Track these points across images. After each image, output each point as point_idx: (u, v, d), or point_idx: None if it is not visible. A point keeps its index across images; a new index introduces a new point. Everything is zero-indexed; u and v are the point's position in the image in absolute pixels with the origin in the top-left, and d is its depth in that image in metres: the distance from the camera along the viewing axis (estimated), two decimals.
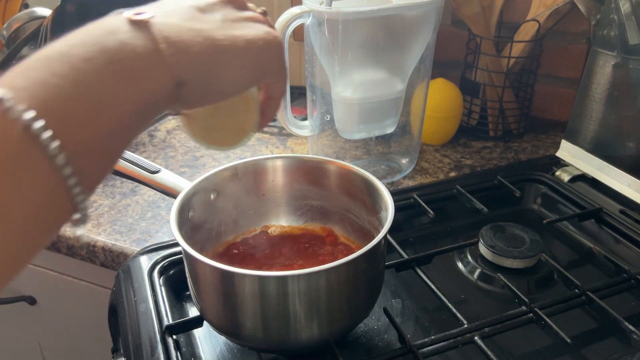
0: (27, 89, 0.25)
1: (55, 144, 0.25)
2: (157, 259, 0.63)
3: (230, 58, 0.35)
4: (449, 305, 0.56)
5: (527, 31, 0.90)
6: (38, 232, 0.27)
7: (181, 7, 0.35)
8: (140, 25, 0.31)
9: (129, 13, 0.31)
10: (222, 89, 0.36)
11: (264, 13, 0.40)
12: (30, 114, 0.24)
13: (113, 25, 0.30)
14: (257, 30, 0.37)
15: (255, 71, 0.37)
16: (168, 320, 0.54)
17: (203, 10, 0.35)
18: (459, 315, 0.54)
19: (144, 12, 0.31)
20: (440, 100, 0.91)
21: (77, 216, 0.28)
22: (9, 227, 0.25)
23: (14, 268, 0.26)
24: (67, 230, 0.73)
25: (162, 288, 0.59)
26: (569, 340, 0.51)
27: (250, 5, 0.40)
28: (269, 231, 0.63)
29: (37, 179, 0.25)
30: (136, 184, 0.65)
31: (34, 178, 0.25)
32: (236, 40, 0.35)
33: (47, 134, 0.25)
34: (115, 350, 0.59)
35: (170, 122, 1.02)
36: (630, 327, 0.53)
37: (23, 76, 0.26)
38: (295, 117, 0.80)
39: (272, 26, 0.39)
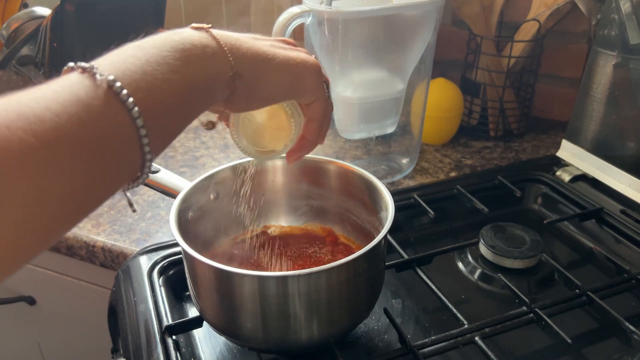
0: (111, 64, 0.33)
1: (132, 99, 0.31)
2: (157, 259, 0.62)
3: (272, 67, 0.42)
4: (450, 305, 0.56)
5: (527, 31, 0.90)
6: (110, 175, 0.32)
7: (238, 33, 0.43)
8: (200, 29, 0.39)
9: (191, 25, 0.39)
10: (266, 94, 0.43)
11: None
12: (111, 77, 0.31)
13: (178, 30, 0.38)
14: (297, 53, 0.44)
15: (292, 83, 0.44)
16: (168, 320, 0.54)
17: (256, 38, 0.44)
18: (459, 315, 0.54)
19: (203, 25, 0.40)
20: (441, 100, 0.91)
21: (139, 176, 0.34)
22: (87, 162, 0.30)
23: (78, 210, 0.31)
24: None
25: (162, 288, 0.59)
26: (569, 341, 0.51)
27: (301, 49, 0.48)
28: (269, 231, 0.63)
29: (116, 126, 0.31)
30: None
31: (114, 124, 0.31)
32: (277, 54, 0.43)
33: (125, 91, 0.31)
34: (114, 351, 0.59)
35: None
36: (631, 327, 0.53)
37: (107, 59, 0.34)
38: None
39: (315, 59, 0.46)
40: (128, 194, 0.37)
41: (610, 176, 0.76)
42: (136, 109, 0.32)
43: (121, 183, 0.34)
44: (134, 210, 0.66)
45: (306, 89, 0.45)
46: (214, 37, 0.39)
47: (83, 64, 0.32)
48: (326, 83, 0.47)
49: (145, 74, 0.33)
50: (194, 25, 0.39)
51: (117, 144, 0.31)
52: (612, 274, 0.64)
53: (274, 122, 0.50)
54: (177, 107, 0.36)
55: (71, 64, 0.32)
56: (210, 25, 0.40)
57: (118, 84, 0.31)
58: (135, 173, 0.34)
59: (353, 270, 0.47)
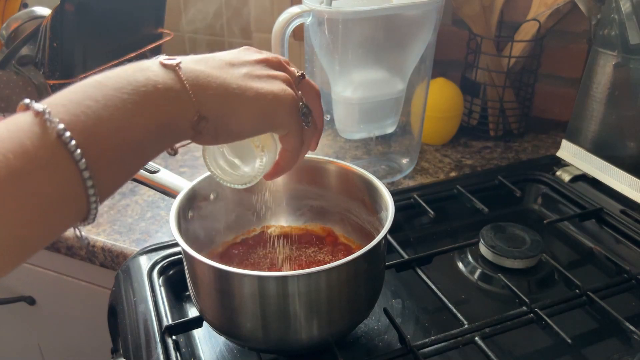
0: (66, 105, 0.32)
1: (79, 151, 0.31)
2: (157, 259, 0.62)
3: (241, 103, 0.40)
4: (450, 305, 0.56)
5: (527, 31, 0.90)
6: (52, 223, 0.32)
7: (214, 58, 0.41)
8: (168, 67, 0.37)
9: (162, 57, 0.37)
10: (235, 131, 0.41)
11: (302, 76, 0.46)
12: (61, 126, 0.31)
13: (145, 65, 0.37)
14: (271, 86, 0.42)
15: (263, 120, 0.41)
16: (167, 320, 0.54)
17: (233, 64, 0.41)
18: (459, 315, 0.54)
19: (174, 58, 0.38)
20: (441, 100, 0.91)
21: (85, 219, 0.34)
22: (29, 213, 0.30)
23: (21, 255, 0.31)
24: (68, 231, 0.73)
25: (162, 288, 0.59)
26: (569, 341, 0.51)
27: (291, 68, 0.45)
28: (269, 231, 0.63)
29: (62, 178, 0.31)
30: (135, 183, 0.65)
31: (60, 177, 0.31)
32: (247, 90, 0.40)
33: (74, 142, 0.31)
34: (114, 351, 0.59)
35: None
36: (631, 327, 0.53)
37: (64, 98, 0.33)
38: None
39: (294, 89, 0.44)
40: (77, 230, 0.37)
41: (610, 176, 0.76)
42: (83, 160, 0.31)
43: (66, 227, 0.33)
44: (87, 243, 0.70)
45: (278, 124, 0.43)
46: (179, 79, 0.37)
47: (37, 106, 0.31)
48: (305, 114, 0.44)
49: (101, 120, 0.32)
50: (163, 60, 0.37)
51: (62, 195, 0.31)
52: (612, 274, 0.64)
53: (245, 150, 0.48)
54: (133, 153, 0.34)
55: (27, 101, 0.32)
56: (179, 61, 0.37)
57: (67, 134, 0.30)
58: (81, 217, 0.33)
59: (353, 270, 0.47)
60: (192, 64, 0.38)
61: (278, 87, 0.42)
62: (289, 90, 0.42)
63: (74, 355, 0.95)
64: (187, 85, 0.37)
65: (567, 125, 0.83)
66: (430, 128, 0.91)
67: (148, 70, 0.36)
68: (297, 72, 0.46)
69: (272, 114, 0.42)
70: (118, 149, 0.33)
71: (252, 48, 0.45)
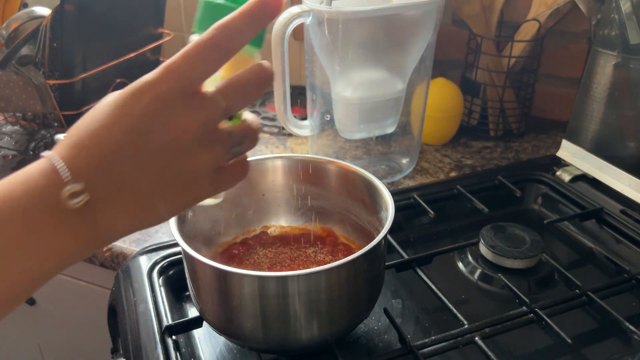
0: None
1: None
2: (157, 259, 0.62)
3: (144, 223, 0.34)
4: (450, 305, 0.56)
5: (527, 31, 0.90)
6: None
7: (110, 139, 0.32)
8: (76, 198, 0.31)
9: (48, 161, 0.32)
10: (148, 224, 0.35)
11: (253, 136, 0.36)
12: None
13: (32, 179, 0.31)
14: (195, 191, 0.35)
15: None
16: (167, 320, 0.54)
17: (140, 151, 0.32)
18: (459, 315, 0.54)
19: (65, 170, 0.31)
20: (441, 100, 0.91)
21: None
22: None
23: None
24: None
25: (162, 288, 0.59)
26: (569, 341, 0.51)
27: (221, 103, 0.34)
28: (268, 231, 0.63)
29: None
30: None
31: None
32: (157, 205, 0.34)
33: None
34: (114, 351, 0.59)
35: None
36: (631, 327, 0.53)
37: None
38: (295, 117, 0.79)
39: (226, 155, 0.35)
40: None
41: (610, 176, 0.76)
42: None
43: None
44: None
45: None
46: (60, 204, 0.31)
47: None
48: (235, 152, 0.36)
49: None
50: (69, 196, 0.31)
51: None
52: (612, 274, 0.64)
53: None
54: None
55: None
56: (69, 176, 0.31)
57: None
58: None
59: (353, 270, 0.47)
60: (88, 169, 0.31)
61: (204, 189, 0.35)
62: (219, 181, 0.36)
63: (74, 355, 0.95)
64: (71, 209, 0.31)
65: (567, 125, 0.83)
66: (430, 128, 0.91)
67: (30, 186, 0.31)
68: (242, 114, 0.37)
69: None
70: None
71: (174, 78, 0.32)
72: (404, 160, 0.87)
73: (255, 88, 0.35)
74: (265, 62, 0.35)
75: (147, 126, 0.32)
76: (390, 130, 0.80)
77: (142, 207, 0.33)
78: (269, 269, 0.57)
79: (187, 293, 0.60)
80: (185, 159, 0.33)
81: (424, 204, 0.71)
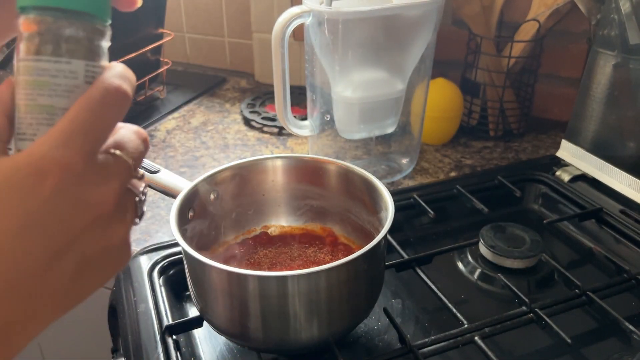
0: None
1: None
2: (157, 259, 0.62)
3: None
4: (449, 305, 0.56)
5: (527, 31, 0.90)
6: None
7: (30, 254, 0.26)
8: None
9: None
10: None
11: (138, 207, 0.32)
12: None
13: None
14: (102, 277, 0.31)
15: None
16: (168, 320, 0.54)
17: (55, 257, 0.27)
18: (459, 315, 0.54)
19: None
20: (441, 100, 0.91)
21: None
22: None
23: None
24: None
25: (162, 288, 0.59)
26: (569, 341, 0.51)
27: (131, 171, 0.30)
28: (268, 231, 0.63)
29: None
30: None
31: None
32: (70, 303, 0.30)
33: None
34: (115, 351, 0.59)
35: (170, 122, 1.02)
36: (631, 327, 0.53)
37: None
38: (295, 117, 0.80)
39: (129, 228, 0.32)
40: None
41: (610, 176, 0.76)
42: None
43: None
44: None
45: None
46: None
47: None
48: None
49: None
50: None
51: None
52: (612, 274, 0.64)
53: None
54: None
55: None
56: None
57: None
58: None
59: (353, 270, 0.47)
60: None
61: (126, 255, 0.31)
62: (124, 259, 0.32)
63: (75, 355, 0.95)
64: None
65: (566, 125, 0.83)
66: (430, 128, 0.91)
67: None
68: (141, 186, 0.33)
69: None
70: None
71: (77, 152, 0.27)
72: (404, 160, 0.87)
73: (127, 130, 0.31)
74: (113, 88, 0.30)
75: (57, 215, 0.26)
76: (390, 130, 0.80)
77: (61, 309, 0.30)
78: (269, 269, 0.57)
79: (188, 293, 0.60)
80: (108, 235, 0.29)
81: (423, 204, 0.72)
